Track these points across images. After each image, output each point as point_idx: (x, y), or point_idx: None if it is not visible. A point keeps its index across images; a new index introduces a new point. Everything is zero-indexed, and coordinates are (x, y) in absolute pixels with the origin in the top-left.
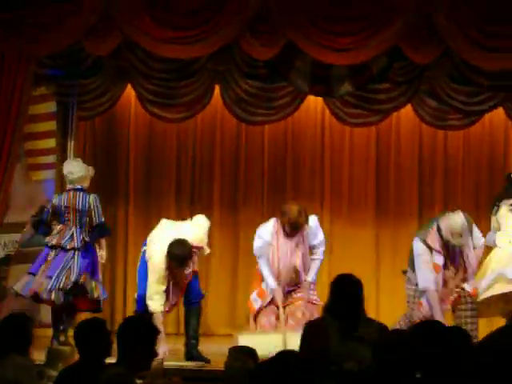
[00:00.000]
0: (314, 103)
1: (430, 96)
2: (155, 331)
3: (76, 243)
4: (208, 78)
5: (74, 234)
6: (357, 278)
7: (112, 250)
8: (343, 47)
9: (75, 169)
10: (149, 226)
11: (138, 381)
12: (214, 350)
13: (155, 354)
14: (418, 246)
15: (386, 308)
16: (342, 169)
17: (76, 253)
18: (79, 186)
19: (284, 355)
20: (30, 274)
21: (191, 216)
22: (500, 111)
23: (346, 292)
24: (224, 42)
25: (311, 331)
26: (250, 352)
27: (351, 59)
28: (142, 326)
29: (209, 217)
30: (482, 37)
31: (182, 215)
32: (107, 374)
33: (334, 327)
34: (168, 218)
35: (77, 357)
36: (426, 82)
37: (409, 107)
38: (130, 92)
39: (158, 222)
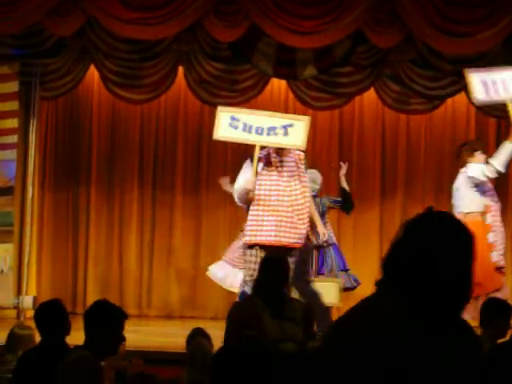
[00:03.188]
0: (277, 86)
1: (393, 80)
2: (123, 315)
3: None
4: (172, 59)
5: None
6: (283, 257)
7: (74, 229)
8: (307, 30)
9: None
10: (111, 206)
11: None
12: (177, 332)
13: (123, 339)
14: None
15: None
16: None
17: None
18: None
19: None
20: None
21: (153, 196)
22: (462, 96)
23: (272, 272)
24: (188, 23)
25: (242, 315)
26: (206, 334)
27: (315, 42)
28: (110, 310)
29: (171, 199)
30: (444, 21)
31: (144, 196)
32: (72, 356)
33: (263, 308)
34: (130, 198)
35: (37, 340)
36: (389, 65)
37: (372, 91)
38: (93, 72)
39: (120, 202)
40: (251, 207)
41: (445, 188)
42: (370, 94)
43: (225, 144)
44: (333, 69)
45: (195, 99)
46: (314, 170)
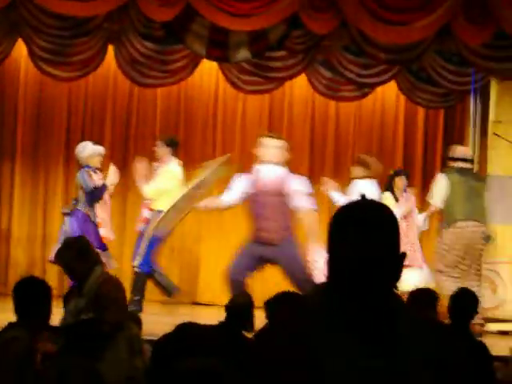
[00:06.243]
0: (208, 69)
1: (325, 66)
2: (49, 290)
3: None
4: (102, 37)
5: None
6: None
7: None
8: (242, 13)
9: None
10: (35, 186)
11: None
12: None
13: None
14: None
15: None
16: (233, 136)
17: None
18: None
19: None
20: None
21: None
22: (392, 84)
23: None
24: (121, 0)
25: None
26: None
27: (250, 25)
28: (39, 285)
29: None
30: (380, 9)
31: (70, 176)
32: (4, 336)
33: None
34: (55, 176)
35: None
36: (322, 51)
37: (303, 76)
38: (20, 48)
39: (45, 181)
40: None
41: None
42: (301, 80)
43: (153, 124)
44: (266, 53)
45: (125, 79)
46: None
